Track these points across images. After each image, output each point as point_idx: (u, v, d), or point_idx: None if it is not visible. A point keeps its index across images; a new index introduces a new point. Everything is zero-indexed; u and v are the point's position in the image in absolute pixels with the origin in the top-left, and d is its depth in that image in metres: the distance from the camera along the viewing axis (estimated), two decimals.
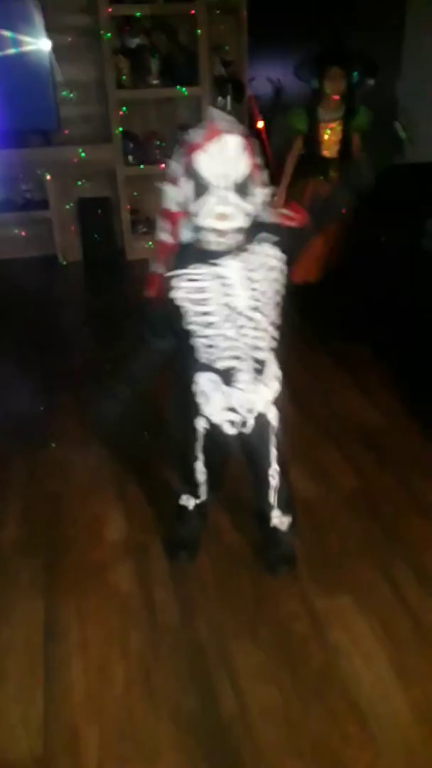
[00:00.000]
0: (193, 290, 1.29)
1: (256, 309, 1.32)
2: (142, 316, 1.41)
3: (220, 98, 4.18)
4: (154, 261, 1.33)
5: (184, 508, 1.66)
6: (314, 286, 2.96)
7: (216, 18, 3.98)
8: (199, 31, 3.81)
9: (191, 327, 1.33)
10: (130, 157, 4.06)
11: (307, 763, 1.19)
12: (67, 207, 4.15)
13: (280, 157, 7.14)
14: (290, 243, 1.34)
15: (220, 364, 1.37)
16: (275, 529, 1.62)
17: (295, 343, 2.77)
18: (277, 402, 1.46)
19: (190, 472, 1.57)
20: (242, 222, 1.24)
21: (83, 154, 3.98)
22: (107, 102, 3.88)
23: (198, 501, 1.64)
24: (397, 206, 3.03)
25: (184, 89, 3.96)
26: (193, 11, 3.76)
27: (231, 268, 1.28)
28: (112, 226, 4.25)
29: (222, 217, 1.20)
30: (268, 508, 1.58)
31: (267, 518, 1.60)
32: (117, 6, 3.69)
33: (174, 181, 1.24)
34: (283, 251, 1.32)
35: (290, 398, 2.30)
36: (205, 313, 1.31)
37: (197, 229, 1.25)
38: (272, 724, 1.26)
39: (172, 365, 1.44)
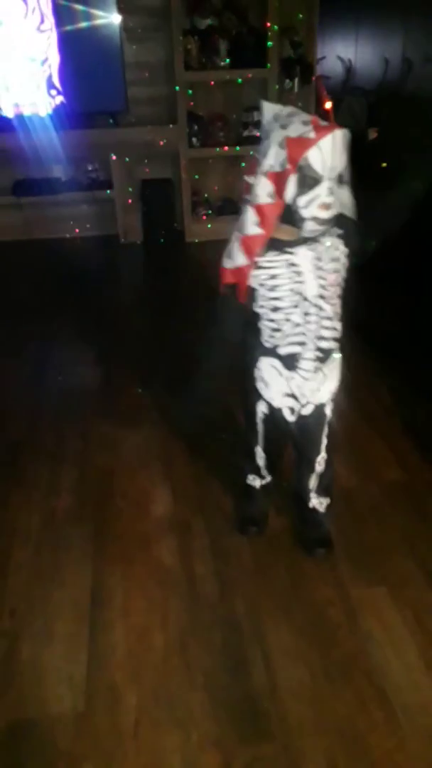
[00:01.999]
0: (266, 276, 1.36)
1: (322, 297, 1.38)
2: (220, 309, 1.45)
3: (287, 80, 4.14)
4: (237, 254, 1.34)
5: (252, 487, 1.74)
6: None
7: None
8: (270, 12, 3.77)
9: (260, 310, 1.41)
10: (194, 139, 4.09)
11: (332, 743, 1.24)
12: (130, 189, 4.23)
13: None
14: (356, 240, 1.38)
15: (284, 350, 1.44)
16: (314, 510, 1.68)
17: (347, 331, 2.78)
18: (336, 395, 1.53)
19: (252, 456, 1.65)
20: (338, 210, 1.29)
21: (147, 136, 4.03)
22: (174, 83, 3.91)
23: (263, 482, 1.72)
24: None
25: (261, 77, 3.91)
26: None
27: (303, 256, 1.34)
28: (173, 208, 4.30)
29: (327, 206, 1.25)
30: (307, 491, 1.65)
31: (306, 500, 1.67)
32: None
33: (273, 177, 1.24)
34: (347, 245, 1.38)
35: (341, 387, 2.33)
36: (275, 298, 1.38)
37: (298, 219, 1.27)
38: (300, 702, 1.32)
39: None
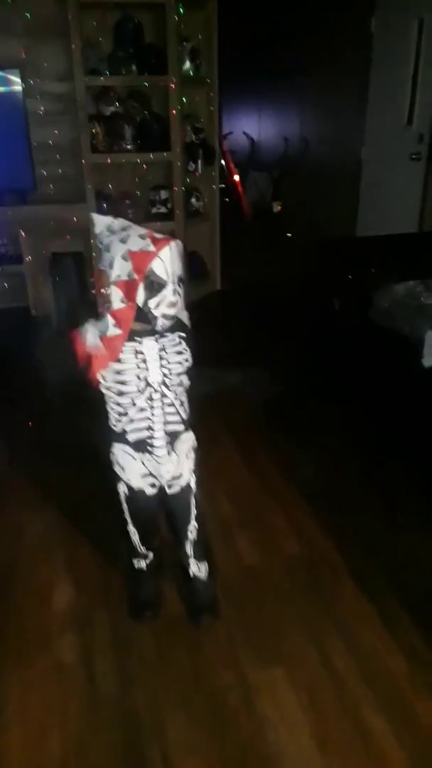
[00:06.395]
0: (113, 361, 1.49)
1: (165, 385, 1.53)
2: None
3: (191, 162, 4.38)
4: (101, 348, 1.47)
5: (139, 570, 1.78)
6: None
7: (188, 89, 4.21)
8: (171, 102, 4.02)
9: (107, 392, 1.54)
10: None
11: None
12: (38, 261, 4.28)
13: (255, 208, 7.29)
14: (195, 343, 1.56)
15: (133, 436, 1.56)
16: (195, 578, 1.77)
17: (246, 407, 2.91)
18: (195, 469, 1.66)
19: (127, 535, 1.72)
20: (181, 306, 1.47)
21: (56, 213, 4.13)
22: (82, 164, 4.06)
23: (147, 560, 1.77)
24: (352, 277, 3.20)
25: (166, 160, 4.13)
26: (166, 83, 3.98)
27: (149, 346, 1.50)
28: (84, 280, 4.38)
29: (173, 304, 1.43)
30: (186, 558, 1.75)
31: (186, 567, 1.76)
32: (93, 77, 3.89)
33: (122, 285, 1.40)
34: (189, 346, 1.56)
35: (242, 462, 2.43)
36: (121, 382, 1.51)
37: (151, 318, 1.44)
38: None
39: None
